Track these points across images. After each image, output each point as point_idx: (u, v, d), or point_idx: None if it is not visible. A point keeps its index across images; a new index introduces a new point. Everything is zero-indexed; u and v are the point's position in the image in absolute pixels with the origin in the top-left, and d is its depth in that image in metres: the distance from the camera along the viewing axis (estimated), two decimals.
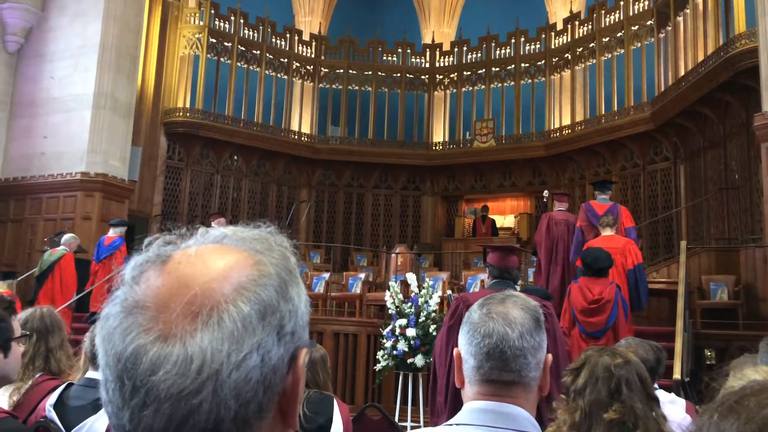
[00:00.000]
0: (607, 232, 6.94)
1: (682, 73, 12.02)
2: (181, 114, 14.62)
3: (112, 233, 9.60)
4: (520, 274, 4.31)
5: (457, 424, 1.37)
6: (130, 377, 0.60)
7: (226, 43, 15.46)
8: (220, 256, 0.66)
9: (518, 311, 1.40)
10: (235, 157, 15.77)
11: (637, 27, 13.94)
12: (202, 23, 15.09)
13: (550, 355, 1.44)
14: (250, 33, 15.96)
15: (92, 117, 11.86)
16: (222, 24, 15.49)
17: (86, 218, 11.54)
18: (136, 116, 13.02)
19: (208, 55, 15.12)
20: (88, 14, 12.34)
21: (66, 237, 9.50)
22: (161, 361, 0.59)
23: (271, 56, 16.18)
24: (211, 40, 15.16)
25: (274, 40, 16.34)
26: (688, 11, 12.13)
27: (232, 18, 15.62)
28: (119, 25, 12.33)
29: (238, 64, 15.59)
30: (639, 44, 13.90)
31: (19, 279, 9.79)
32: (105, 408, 0.64)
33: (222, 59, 15.42)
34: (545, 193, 10.98)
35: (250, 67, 15.87)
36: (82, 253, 9.95)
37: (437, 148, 16.78)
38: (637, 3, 14.04)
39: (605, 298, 5.73)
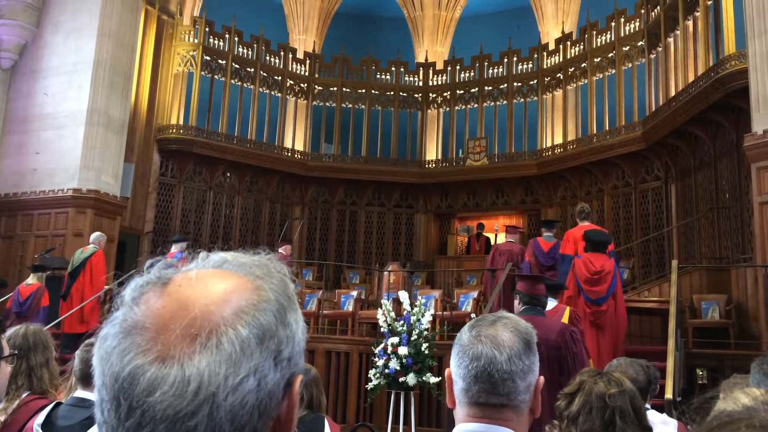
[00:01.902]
0: (585, 223, 7.73)
1: (672, 93, 12.12)
2: (174, 131, 14.63)
3: (174, 248, 10.05)
4: (547, 300, 4.60)
5: None
6: (127, 398, 0.60)
7: (220, 61, 15.52)
8: (221, 280, 0.67)
9: (508, 334, 1.39)
10: (228, 174, 15.77)
11: (628, 48, 14.09)
12: (196, 41, 15.15)
13: (542, 378, 1.43)
14: (245, 51, 16.04)
15: (85, 133, 11.86)
16: (216, 42, 15.56)
17: (78, 235, 11.49)
18: (130, 133, 13.03)
19: (202, 73, 15.17)
20: (82, 31, 12.38)
21: (95, 235, 10.00)
22: (158, 382, 0.59)
23: (265, 74, 16.24)
24: (205, 57, 15.21)
25: (268, 58, 16.42)
26: (678, 32, 12.26)
27: (227, 36, 15.69)
28: (113, 42, 12.37)
29: (232, 81, 15.64)
30: (630, 65, 14.04)
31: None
32: (99, 429, 0.64)
33: (216, 76, 15.47)
34: (496, 227, 12.05)
35: (244, 85, 15.92)
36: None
37: (430, 166, 16.84)
38: (628, 24, 14.19)
39: (606, 269, 6.58)
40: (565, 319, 5.33)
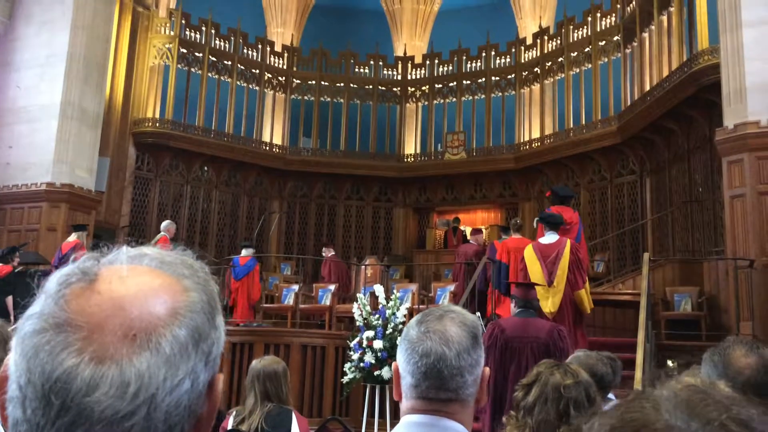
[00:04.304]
0: (516, 235, 8.45)
1: (647, 87, 12.23)
2: (150, 124, 14.49)
3: (245, 253, 10.66)
4: (539, 302, 5.31)
5: None
6: (60, 396, 0.59)
7: (197, 54, 15.38)
8: (151, 279, 0.66)
9: (456, 328, 1.39)
10: (206, 168, 15.66)
11: (604, 42, 14.19)
12: (172, 33, 15.01)
13: (487, 369, 1.45)
14: (222, 43, 15.91)
15: (59, 127, 11.69)
16: (193, 34, 15.42)
17: (51, 229, 11.35)
18: (104, 126, 12.87)
19: (179, 66, 15.03)
20: (55, 24, 12.19)
21: (165, 223, 10.95)
22: (96, 382, 0.59)
23: (242, 67, 16.13)
24: (181, 50, 15.07)
25: (245, 50, 16.30)
26: (653, 27, 12.37)
27: (204, 28, 15.55)
28: (87, 34, 12.20)
29: (209, 74, 15.52)
30: (606, 59, 14.14)
31: None
32: (13, 428, 0.63)
33: (193, 69, 15.33)
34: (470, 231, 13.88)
35: (222, 78, 15.80)
36: (46, 265, 9.83)
37: (409, 160, 16.85)
38: (604, 19, 14.29)
39: (573, 221, 7.58)
40: (567, 251, 6.44)
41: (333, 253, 12.48)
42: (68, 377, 0.59)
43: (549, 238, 6.65)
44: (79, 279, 0.65)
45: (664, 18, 12.00)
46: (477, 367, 1.40)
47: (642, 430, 0.50)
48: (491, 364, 4.68)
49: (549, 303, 6.20)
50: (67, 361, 0.59)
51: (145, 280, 0.66)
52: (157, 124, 14.53)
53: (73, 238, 9.82)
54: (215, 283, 0.72)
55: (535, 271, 6.47)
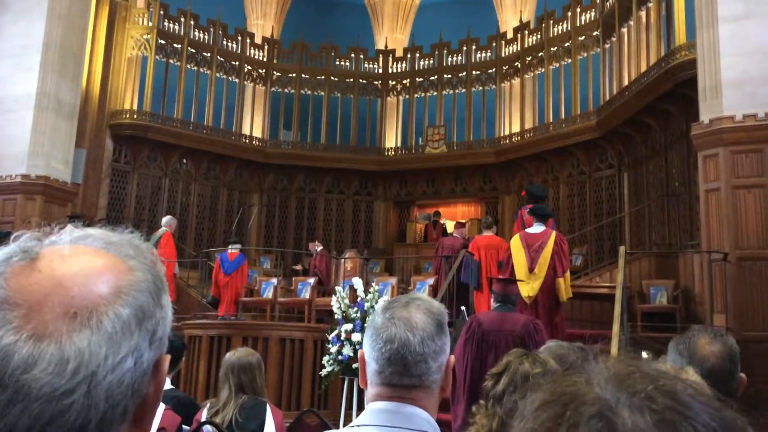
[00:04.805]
0: (488, 233, 8.65)
1: (626, 82, 12.33)
2: (128, 116, 14.34)
3: (232, 249, 10.67)
4: (517, 298, 5.38)
5: (357, 426, 1.38)
6: None
7: (175, 45, 15.24)
8: (94, 258, 0.66)
9: (421, 315, 1.40)
10: (185, 161, 15.53)
11: (583, 37, 14.27)
12: (150, 24, 14.85)
13: (452, 357, 1.45)
14: (201, 35, 15.78)
15: (34, 118, 11.53)
16: (171, 25, 15.27)
17: (26, 221, 11.21)
18: (81, 118, 12.71)
19: (157, 57, 14.88)
20: (31, 13, 12.00)
21: (166, 219, 11.06)
22: (35, 359, 0.58)
23: (222, 59, 16.01)
24: (160, 41, 14.92)
25: (225, 42, 16.18)
26: (632, 23, 12.46)
27: (182, 19, 15.41)
28: (64, 24, 12.03)
29: (188, 66, 15.38)
30: (585, 54, 14.22)
31: None
32: None
33: (171, 61, 15.19)
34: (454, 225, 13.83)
35: (201, 70, 15.67)
36: None
37: (389, 153, 16.85)
38: (584, 14, 14.37)
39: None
40: (551, 242, 6.68)
41: (321, 247, 12.50)
42: (6, 354, 0.58)
43: (536, 228, 6.93)
44: (20, 258, 0.65)
45: (643, 13, 12.09)
46: (441, 354, 1.40)
47: (571, 404, 0.51)
48: (469, 356, 4.73)
49: (528, 288, 6.47)
50: (5, 339, 0.59)
51: (87, 260, 0.65)
52: (135, 116, 14.38)
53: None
54: (160, 265, 0.72)
55: (519, 258, 6.71)
